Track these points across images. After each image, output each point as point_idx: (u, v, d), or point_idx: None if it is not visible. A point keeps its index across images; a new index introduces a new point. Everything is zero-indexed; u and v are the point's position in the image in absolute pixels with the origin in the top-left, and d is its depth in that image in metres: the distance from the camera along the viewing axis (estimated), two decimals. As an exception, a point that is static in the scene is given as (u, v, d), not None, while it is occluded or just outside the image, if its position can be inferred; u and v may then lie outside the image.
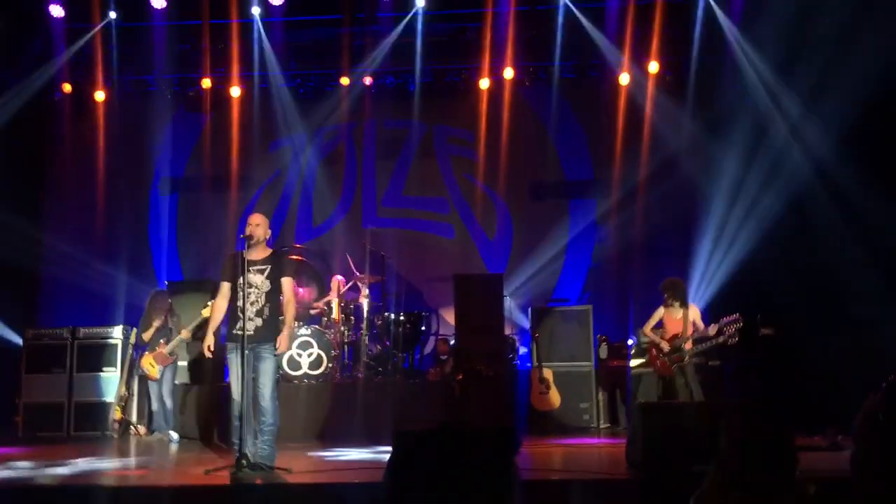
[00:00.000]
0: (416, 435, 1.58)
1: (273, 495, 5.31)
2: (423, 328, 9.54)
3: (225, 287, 6.16)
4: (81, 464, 6.58)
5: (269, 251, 6.28)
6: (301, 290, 9.50)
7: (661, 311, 8.04)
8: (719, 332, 7.44)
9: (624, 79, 10.79)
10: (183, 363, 9.24)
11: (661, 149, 10.51)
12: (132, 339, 9.26)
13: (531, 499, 4.63)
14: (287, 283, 6.22)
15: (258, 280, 6.09)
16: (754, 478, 2.67)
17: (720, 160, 9.86)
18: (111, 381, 9.31)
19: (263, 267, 6.13)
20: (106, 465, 6.65)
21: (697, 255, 10.56)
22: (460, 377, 8.56)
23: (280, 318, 6.24)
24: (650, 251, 10.56)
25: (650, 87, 10.72)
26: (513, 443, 1.58)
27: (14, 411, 9.43)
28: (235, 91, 11.20)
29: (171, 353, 8.66)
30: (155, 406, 8.68)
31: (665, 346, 7.85)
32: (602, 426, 9.00)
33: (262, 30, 10.76)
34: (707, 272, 10.41)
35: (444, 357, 9.86)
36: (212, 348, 6.14)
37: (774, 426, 2.78)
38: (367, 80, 11.16)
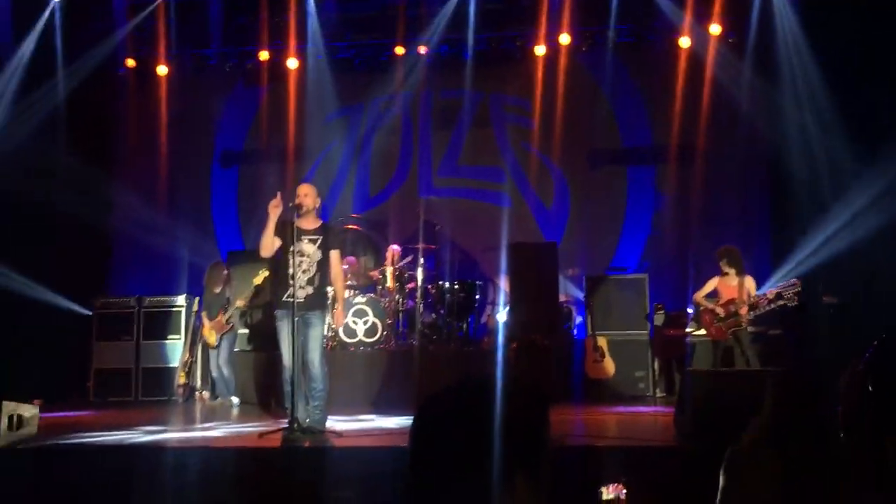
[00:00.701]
0: (438, 394, 1.57)
1: (321, 457, 5.41)
2: (478, 297, 9.55)
3: (275, 239, 6.18)
4: (144, 427, 6.83)
5: (319, 221, 6.38)
6: (352, 259, 9.62)
7: (715, 280, 7.91)
8: (777, 297, 7.27)
9: (684, 42, 10.51)
10: (244, 332, 9.47)
11: (722, 113, 10.24)
12: (195, 308, 9.56)
13: (575, 464, 4.63)
14: (335, 255, 6.31)
15: (310, 249, 6.20)
16: (792, 441, 2.62)
17: (785, 124, 9.54)
18: (176, 347, 9.62)
19: (315, 237, 6.23)
20: (167, 428, 6.89)
21: (760, 224, 10.32)
22: (514, 346, 8.56)
23: (329, 289, 6.34)
24: (711, 219, 10.33)
25: (711, 49, 10.41)
26: (541, 398, 1.55)
27: (86, 377, 9.82)
28: (292, 63, 11.30)
29: (227, 322, 8.88)
30: (214, 373, 8.94)
31: (720, 312, 7.71)
32: (658, 395, 8.91)
33: (310, 3, 10.78)
34: (773, 241, 10.17)
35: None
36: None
37: (815, 396, 2.71)
38: (422, 50, 11.13)
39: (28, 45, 10.12)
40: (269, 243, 6.15)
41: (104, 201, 11.25)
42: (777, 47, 9.79)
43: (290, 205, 6.11)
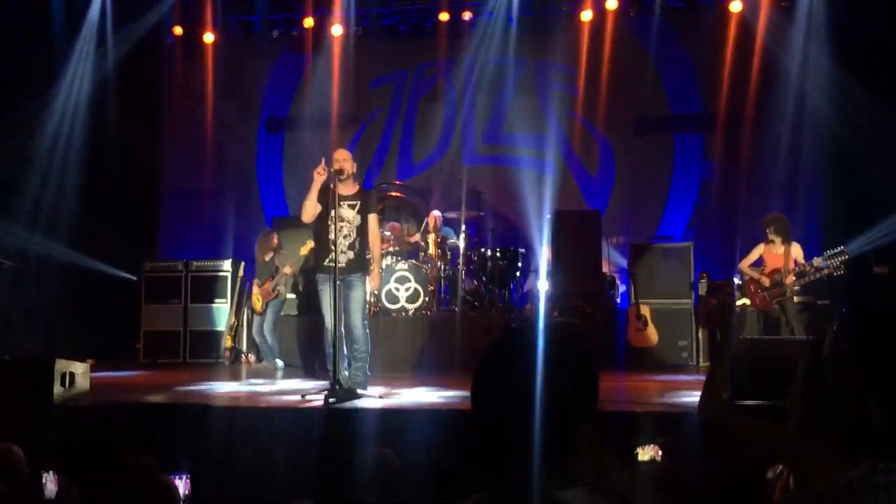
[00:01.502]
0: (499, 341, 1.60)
1: (362, 418, 5.48)
2: (520, 265, 9.53)
3: (317, 206, 6.26)
4: (192, 387, 7.00)
5: (356, 186, 6.44)
6: (395, 225, 9.67)
7: (760, 248, 7.79)
8: (823, 266, 7.14)
9: (735, 6, 10.27)
10: (292, 297, 9.60)
11: (772, 81, 10.00)
12: (241, 273, 9.72)
13: (615, 428, 4.62)
14: (373, 219, 6.38)
15: (350, 214, 6.26)
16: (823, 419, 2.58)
17: (840, 93, 9.28)
18: (222, 311, 9.80)
19: (354, 202, 6.29)
20: (212, 389, 7.04)
21: (810, 193, 10.10)
22: (556, 314, 8.55)
23: (368, 253, 6.39)
24: (758, 188, 10.14)
25: (763, 14, 10.16)
26: (589, 351, 1.58)
27: (136, 339, 10.07)
28: (337, 30, 11.30)
29: (274, 290, 9.01)
30: (257, 338, 9.09)
31: (765, 281, 7.61)
32: (701, 364, 8.84)
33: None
34: (822, 211, 9.97)
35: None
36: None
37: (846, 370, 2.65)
38: (466, 16, 11.04)
39: (93, 11, 10.30)
40: (312, 209, 6.23)
41: (153, 167, 11.49)
42: (826, 12, 9.51)
43: (332, 170, 6.15)
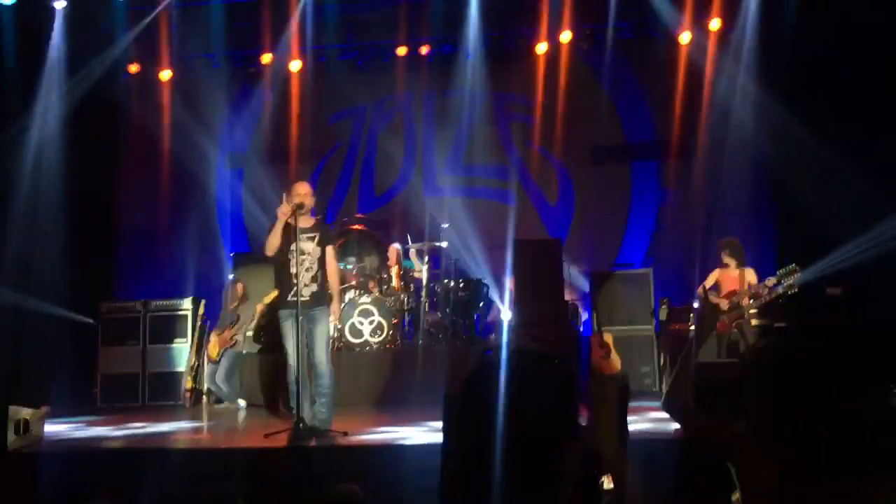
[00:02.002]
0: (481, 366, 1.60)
1: (328, 457, 5.43)
2: (483, 295, 9.54)
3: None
4: (151, 430, 6.86)
5: (313, 219, 6.45)
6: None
7: (716, 273, 7.91)
8: (777, 283, 7.24)
9: (684, 37, 10.50)
10: (249, 333, 9.47)
11: (723, 108, 10.21)
12: (201, 311, 9.60)
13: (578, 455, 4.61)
14: (331, 251, 6.40)
15: (310, 247, 6.25)
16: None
17: (786, 118, 9.50)
18: (183, 351, 9.63)
19: (313, 234, 6.29)
20: (173, 431, 6.91)
21: (763, 217, 10.29)
22: (520, 343, 8.54)
23: (328, 288, 6.37)
24: (715, 213, 10.29)
25: (712, 45, 10.40)
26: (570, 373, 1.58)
27: (92, 383, 9.84)
28: (295, 65, 11.33)
29: (231, 339, 8.91)
30: (211, 387, 8.95)
31: (724, 305, 7.70)
32: (664, 389, 8.88)
33: (311, 5, 10.77)
34: (776, 235, 10.16)
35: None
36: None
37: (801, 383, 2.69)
38: (424, 50, 11.15)
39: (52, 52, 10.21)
40: (276, 243, 6.19)
41: (110, 205, 11.34)
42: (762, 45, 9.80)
43: (289, 203, 6.14)
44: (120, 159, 11.74)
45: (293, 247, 6.10)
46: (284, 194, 6.26)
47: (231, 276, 9.98)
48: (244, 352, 9.14)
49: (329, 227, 6.78)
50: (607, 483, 3.32)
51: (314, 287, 6.22)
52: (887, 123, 8.44)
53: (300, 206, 6.12)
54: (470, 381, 1.54)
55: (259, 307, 9.03)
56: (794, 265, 7.24)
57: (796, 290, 7.19)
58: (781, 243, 10.11)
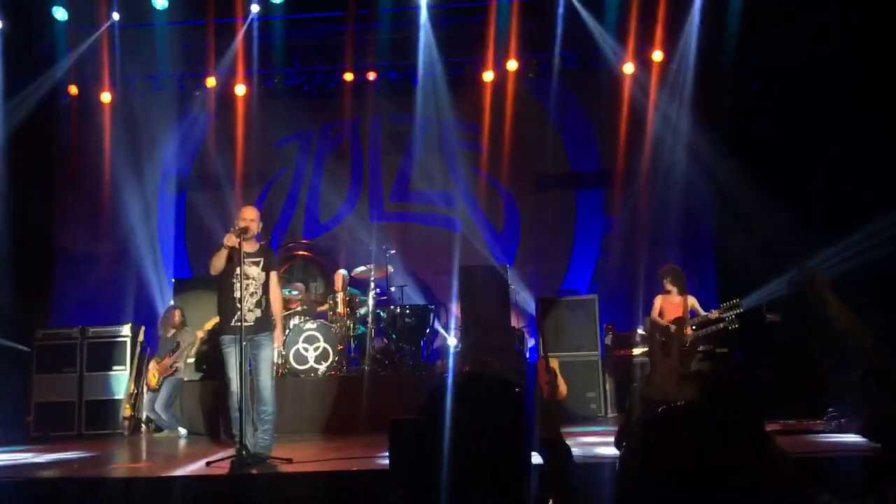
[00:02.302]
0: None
1: (271, 484, 5.32)
2: (430, 321, 9.52)
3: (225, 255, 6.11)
4: (88, 458, 6.65)
5: (258, 244, 6.38)
6: (300, 286, 9.60)
7: (659, 299, 8.01)
8: (719, 319, 7.40)
9: (628, 68, 10.72)
10: (190, 360, 9.28)
11: (666, 137, 10.44)
12: (140, 337, 9.38)
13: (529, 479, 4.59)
14: (274, 276, 6.33)
15: (255, 272, 6.16)
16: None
17: (726, 150, 9.76)
18: (121, 379, 9.38)
19: (258, 259, 6.21)
20: (112, 460, 6.71)
21: (705, 245, 10.50)
22: (466, 369, 8.53)
23: (272, 315, 6.28)
24: (659, 241, 10.47)
25: (654, 76, 10.64)
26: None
27: (26, 411, 9.51)
28: (240, 89, 11.23)
29: (172, 366, 8.73)
30: (152, 415, 8.74)
31: (673, 328, 7.79)
32: (610, 414, 8.96)
33: (256, 29, 10.72)
34: (717, 262, 10.37)
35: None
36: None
37: (744, 410, 2.77)
38: (371, 76, 11.17)
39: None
40: (219, 265, 6.09)
41: (46, 230, 11.04)
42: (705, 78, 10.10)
43: (235, 228, 6.05)
44: (57, 183, 11.45)
45: (238, 271, 5.99)
46: (235, 226, 6.15)
47: (170, 303, 9.78)
48: (185, 378, 8.95)
49: (273, 252, 6.69)
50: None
51: (258, 312, 6.13)
52: (819, 158, 8.72)
53: (244, 231, 6.03)
54: (424, 406, 1.53)
55: (199, 333, 8.85)
56: (736, 300, 7.40)
57: (736, 325, 7.36)
58: (720, 271, 10.33)
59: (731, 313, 7.36)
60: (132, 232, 11.21)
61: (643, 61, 10.66)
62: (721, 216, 10.18)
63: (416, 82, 11.21)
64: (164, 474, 5.69)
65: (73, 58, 10.77)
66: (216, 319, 8.12)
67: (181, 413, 8.75)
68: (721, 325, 7.41)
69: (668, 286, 7.91)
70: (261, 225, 6.34)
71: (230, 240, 5.95)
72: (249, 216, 6.17)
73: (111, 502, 5.16)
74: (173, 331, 9.01)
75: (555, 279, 11.04)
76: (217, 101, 11.41)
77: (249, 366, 6.03)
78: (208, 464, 5.76)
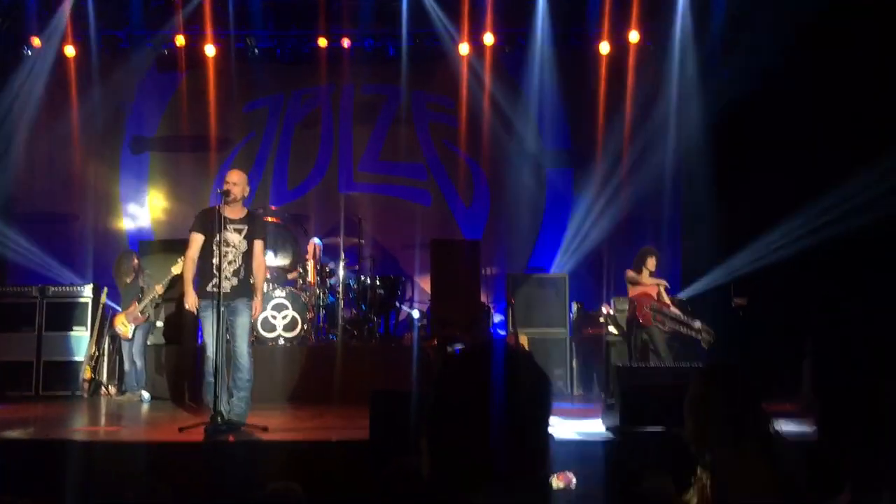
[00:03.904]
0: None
1: (248, 452, 5.27)
2: (399, 293, 9.49)
3: (197, 238, 6.04)
4: (52, 421, 6.50)
5: (245, 211, 6.22)
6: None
7: (631, 274, 8.14)
8: (699, 331, 7.63)
9: (604, 47, 10.74)
10: (159, 324, 9.12)
11: (638, 119, 10.51)
12: (103, 299, 9.18)
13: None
14: (259, 245, 6.16)
15: (235, 239, 6.03)
16: (728, 439, 2.72)
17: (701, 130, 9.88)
18: (81, 340, 9.17)
19: (241, 226, 6.07)
20: (77, 423, 6.58)
21: (671, 227, 10.63)
22: (434, 343, 8.54)
23: (252, 278, 6.16)
24: (626, 222, 10.57)
25: (631, 56, 10.68)
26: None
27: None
28: (210, 50, 10.96)
29: (142, 312, 8.55)
30: (126, 366, 8.59)
31: (660, 298, 7.96)
32: (576, 392, 9.06)
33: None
34: (683, 245, 10.52)
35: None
36: (195, 305, 6.00)
37: (743, 388, 2.83)
38: (346, 43, 11.00)
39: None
40: (193, 253, 6.07)
41: (4, 187, 10.70)
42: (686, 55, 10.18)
43: (218, 191, 5.93)
44: (13, 140, 11.07)
45: (217, 238, 5.87)
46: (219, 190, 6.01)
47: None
48: (156, 323, 8.78)
49: (261, 219, 6.53)
50: (556, 482, 3.34)
51: (234, 281, 6.00)
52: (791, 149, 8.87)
53: (226, 194, 5.91)
54: (443, 379, 1.52)
55: (158, 288, 8.61)
56: (713, 332, 7.64)
57: (708, 347, 7.61)
58: (684, 253, 10.48)
59: (710, 336, 7.60)
60: (94, 191, 10.94)
61: (619, 42, 10.68)
62: (688, 199, 10.33)
63: (391, 52, 11.09)
64: (136, 439, 5.60)
65: (36, 9, 10.38)
66: (176, 271, 8.05)
67: (146, 374, 8.58)
68: (697, 336, 7.65)
69: (650, 265, 8.01)
70: (247, 189, 6.19)
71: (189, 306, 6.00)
72: (233, 179, 6.02)
73: (79, 467, 5.04)
74: (133, 275, 8.77)
75: (521, 256, 11.08)
76: (186, 62, 11.12)
77: (227, 333, 5.94)
78: (181, 430, 5.66)
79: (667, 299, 8.12)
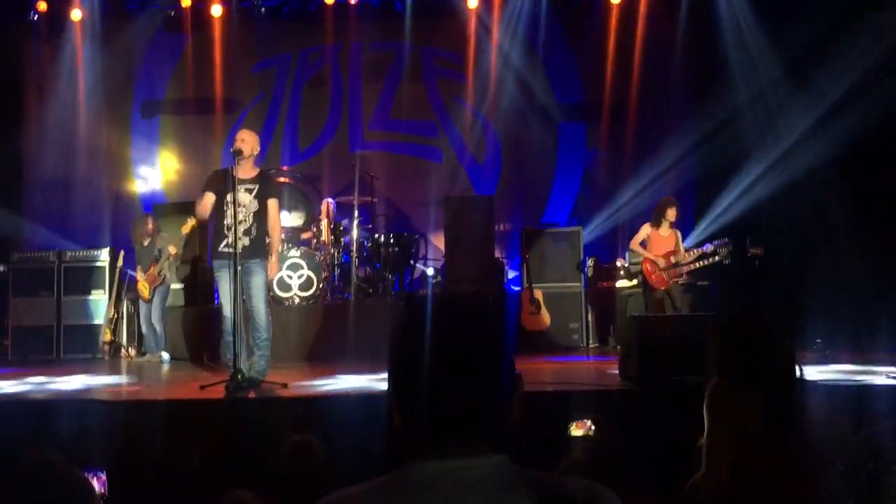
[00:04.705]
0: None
1: (268, 407, 5.34)
2: (413, 250, 9.51)
3: (208, 196, 6.03)
4: (75, 381, 6.60)
5: (256, 170, 6.21)
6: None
7: (647, 229, 8.09)
8: (714, 252, 7.57)
9: (615, -1, 10.59)
10: (177, 286, 9.18)
11: (651, 70, 10.39)
12: (119, 262, 9.25)
13: (530, 408, 4.66)
14: (273, 204, 6.15)
15: (246, 199, 6.02)
16: (757, 385, 2.73)
17: (714, 85, 9.75)
18: (100, 303, 9.27)
19: (252, 186, 6.06)
20: (99, 383, 6.67)
21: (685, 179, 10.55)
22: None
23: (267, 238, 6.18)
24: (640, 175, 10.49)
25: (642, 6, 10.52)
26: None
27: (3, 335, 9.40)
28: (217, 10, 10.88)
29: (159, 274, 8.61)
30: (145, 328, 8.68)
31: (661, 262, 7.90)
32: (591, 345, 9.09)
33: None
34: (696, 196, 10.45)
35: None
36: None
37: (769, 334, 2.83)
38: (353, 0, 10.88)
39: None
40: (204, 210, 6.01)
41: (16, 154, 10.74)
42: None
43: (231, 150, 5.92)
44: (26, 105, 11.07)
45: (228, 198, 5.87)
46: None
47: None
48: (172, 286, 8.86)
49: (273, 178, 6.52)
50: (575, 430, 3.37)
51: (246, 241, 5.99)
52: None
53: (238, 153, 5.90)
54: (400, 326, 1.49)
55: (172, 249, 8.65)
56: (726, 239, 7.59)
57: (728, 261, 7.54)
58: (699, 206, 10.41)
59: (724, 249, 7.53)
60: (106, 156, 10.96)
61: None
62: (703, 149, 10.23)
63: (398, 7, 10.96)
64: (158, 397, 5.68)
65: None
66: (183, 234, 8.10)
67: (166, 336, 8.67)
68: (717, 258, 7.59)
69: (670, 216, 7.95)
70: (258, 147, 6.17)
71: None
72: (241, 137, 6.00)
73: (115, 425, 5.11)
74: (149, 238, 8.82)
75: (535, 211, 11.06)
76: (193, 23, 11.05)
77: (243, 293, 5.99)
78: (202, 387, 5.73)
79: (682, 249, 8.04)
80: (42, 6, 10.77)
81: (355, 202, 9.21)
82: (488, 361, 1.38)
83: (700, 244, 8.41)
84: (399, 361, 1.43)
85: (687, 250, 8.12)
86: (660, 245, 8.00)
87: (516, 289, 9.68)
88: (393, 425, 1.45)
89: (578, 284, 9.21)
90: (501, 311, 1.48)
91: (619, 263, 9.47)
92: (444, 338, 1.39)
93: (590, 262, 9.47)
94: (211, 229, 6.54)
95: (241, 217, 5.97)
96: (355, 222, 9.13)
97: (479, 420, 1.37)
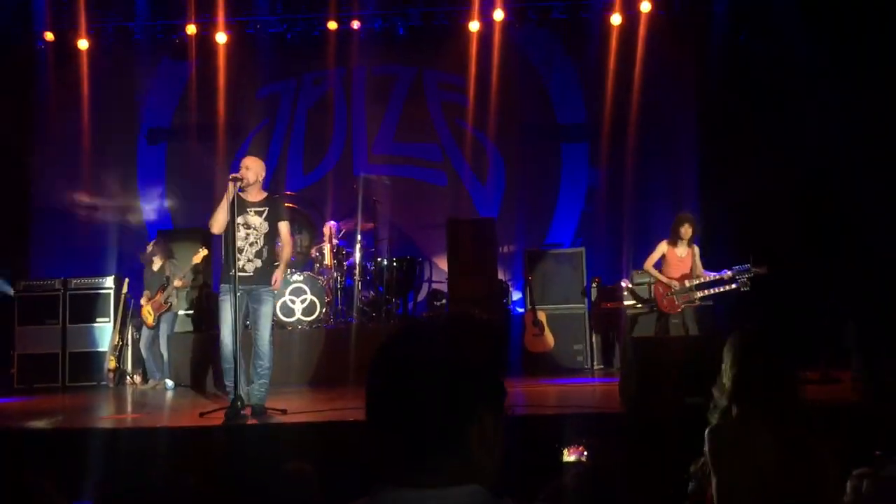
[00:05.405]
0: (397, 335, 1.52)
1: (266, 435, 5.33)
2: (417, 274, 9.51)
3: (223, 211, 6.02)
4: (77, 410, 6.61)
5: (264, 193, 6.30)
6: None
7: (664, 247, 7.93)
8: (733, 279, 7.46)
9: (615, 19, 10.61)
10: (183, 313, 9.21)
11: (653, 90, 10.40)
12: (124, 289, 9.28)
13: (526, 432, 4.65)
14: (284, 226, 6.26)
15: (256, 221, 6.10)
16: (764, 403, 2.71)
17: (715, 101, 9.76)
18: (105, 330, 9.31)
19: (261, 209, 6.13)
20: (101, 412, 6.68)
21: (688, 197, 10.52)
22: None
23: (276, 262, 6.24)
24: (643, 194, 10.49)
25: (642, 27, 10.54)
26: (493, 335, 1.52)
27: (9, 364, 9.43)
28: (221, 37, 10.96)
29: (166, 302, 8.63)
30: (144, 354, 8.68)
31: (676, 285, 7.76)
32: (596, 367, 9.04)
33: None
34: (701, 213, 10.40)
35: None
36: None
37: (774, 354, 2.81)
38: (355, 25, 10.96)
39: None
40: (222, 219, 5.98)
41: (23, 182, 10.82)
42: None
43: (231, 176, 5.97)
44: (33, 133, 11.17)
45: (238, 220, 5.93)
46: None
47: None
48: (179, 313, 8.87)
49: (281, 202, 6.57)
50: (568, 455, 3.34)
51: (258, 262, 6.07)
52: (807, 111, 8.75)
53: (239, 180, 5.95)
54: (385, 345, 1.48)
55: (177, 282, 8.68)
56: (748, 265, 7.50)
57: (748, 288, 7.45)
58: (705, 225, 10.36)
59: (744, 276, 7.42)
60: (112, 183, 11.04)
61: (631, 12, 10.54)
62: (706, 168, 10.23)
63: (400, 31, 11.03)
64: (157, 425, 5.68)
65: (48, 2, 10.44)
66: (194, 263, 8.14)
67: (170, 363, 8.68)
68: (734, 286, 7.48)
69: (686, 232, 7.81)
70: (262, 173, 6.23)
71: (232, 185, 5.85)
72: (245, 164, 6.09)
73: (103, 453, 5.12)
74: (161, 263, 8.86)
75: (538, 232, 11.05)
76: (197, 50, 11.14)
77: (246, 319, 6.01)
78: (201, 415, 5.73)
79: (699, 267, 7.91)
80: (49, 36, 10.88)
81: (358, 227, 9.23)
82: (444, 386, 1.36)
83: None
84: (367, 386, 1.44)
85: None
86: (676, 266, 7.85)
87: (521, 310, 9.65)
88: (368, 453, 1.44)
89: (582, 306, 9.17)
90: (471, 336, 1.45)
91: (623, 284, 9.41)
92: (398, 363, 1.38)
93: (593, 284, 9.43)
94: (217, 256, 6.56)
95: (251, 239, 6.05)
96: (357, 246, 9.15)
97: (443, 447, 1.35)
